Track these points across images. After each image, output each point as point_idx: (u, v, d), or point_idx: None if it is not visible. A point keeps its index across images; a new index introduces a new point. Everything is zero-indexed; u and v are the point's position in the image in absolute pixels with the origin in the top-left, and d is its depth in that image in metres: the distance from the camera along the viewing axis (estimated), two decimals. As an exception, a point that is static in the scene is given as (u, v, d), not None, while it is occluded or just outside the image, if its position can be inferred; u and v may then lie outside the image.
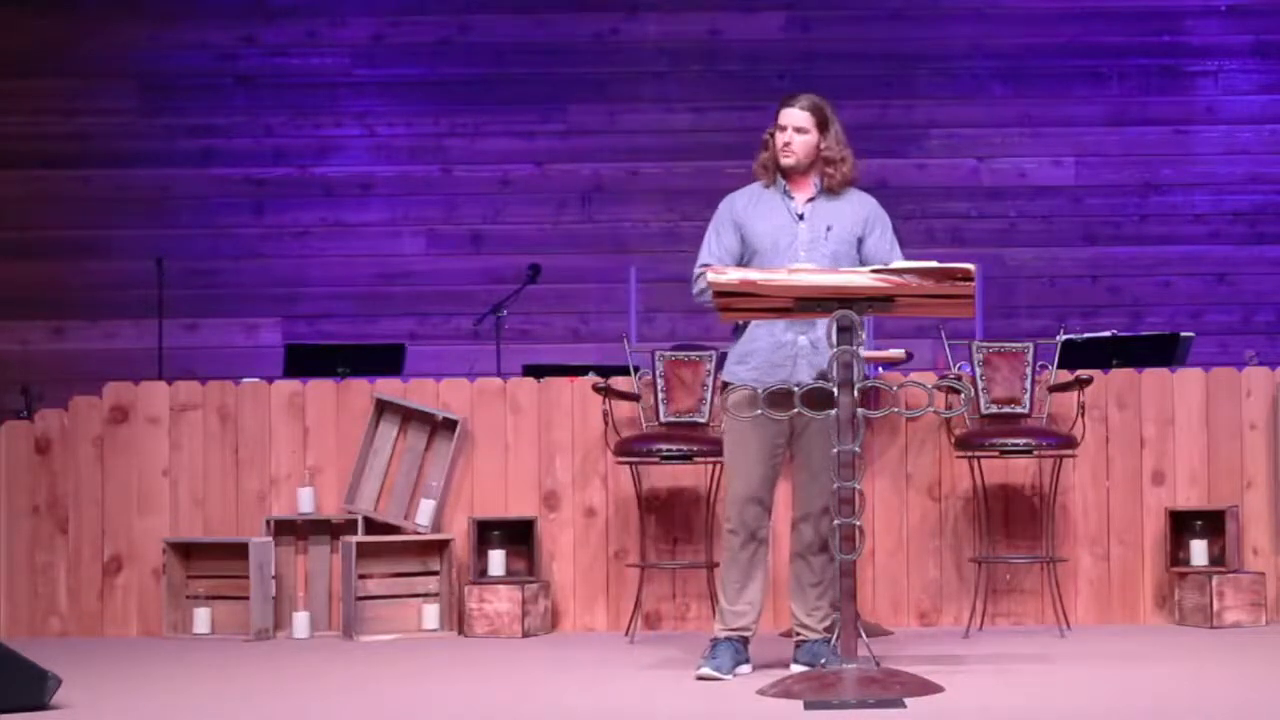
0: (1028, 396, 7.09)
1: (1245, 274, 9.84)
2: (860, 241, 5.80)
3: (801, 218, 5.78)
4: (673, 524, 7.27)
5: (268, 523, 7.21)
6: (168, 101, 9.93)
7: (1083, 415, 7.07)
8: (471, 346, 9.31)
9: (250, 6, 10.00)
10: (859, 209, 5.84)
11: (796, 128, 5.80)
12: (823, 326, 5.54)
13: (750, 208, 5.84)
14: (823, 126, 5.81)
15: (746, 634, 5.77)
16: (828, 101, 5.89)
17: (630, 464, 6.98)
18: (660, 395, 7.13)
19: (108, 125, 9.90)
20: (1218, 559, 6.99)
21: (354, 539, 7.10)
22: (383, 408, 7.35)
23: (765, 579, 5.82)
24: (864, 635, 5.44)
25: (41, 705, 5.08)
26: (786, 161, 5.80)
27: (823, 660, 5.53)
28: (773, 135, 5.84)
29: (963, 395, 7.03)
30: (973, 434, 6.96)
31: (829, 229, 5.76)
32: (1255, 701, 5.02)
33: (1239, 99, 9.94)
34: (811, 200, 5.81)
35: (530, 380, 7.45)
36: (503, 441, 7.35)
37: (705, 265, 5.76)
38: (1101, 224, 9.91)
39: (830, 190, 5.81)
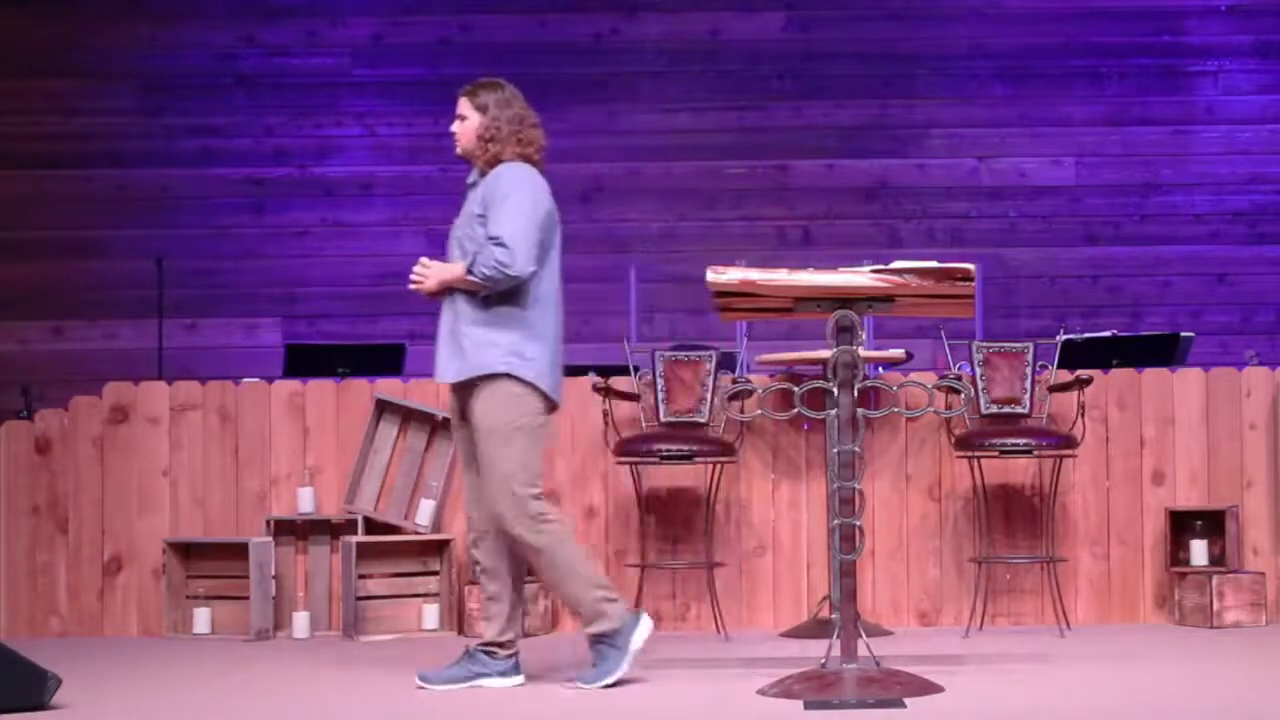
0: (1028, 396, 7.09)
1: (1245, 274, 9.85)
2: (485, 220, 5.48)
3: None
4: (673, 524, 7.27)
5: (268, 523, 7.21)
6: (168, 101, 9.94)
7: (1083, 415, 7.07)
8: (471, 346, 9.29)
9: (250, 6, 10.00)
10: (484, 189, 5.52)
11: (458, 115, 5.60)
12: (462, 311, 5.46)
13: None
14: (482, 109, 5.55)
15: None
16: (501, 84, 5.60)
17: (630, 464, 6.98)
18: (660, 395, 7.13)
19: (108, 125, 9.91)
20: (1218, 559, 6.99)
21: (354, 539, 7.10)
22: (383, 408, 7.34)
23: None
24: (864, 635, 5.44)
25: (41, 705, 5.08)
26: (457, 152, 5.63)
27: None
28: None
29: (963, 395, 7.03)
30: (973, 434, 6.96)
31: (458, 217, 5.61)
32: (1255, 701, 5.02)
33: (1239, 99, 9.94)
34: (471, 188, 5.62)
35: (530, 380, 7.44)
36: (503, 441, 7.34)
37: None
38: (1101, 224, 9.92)
39: (483, 171, 5.56)
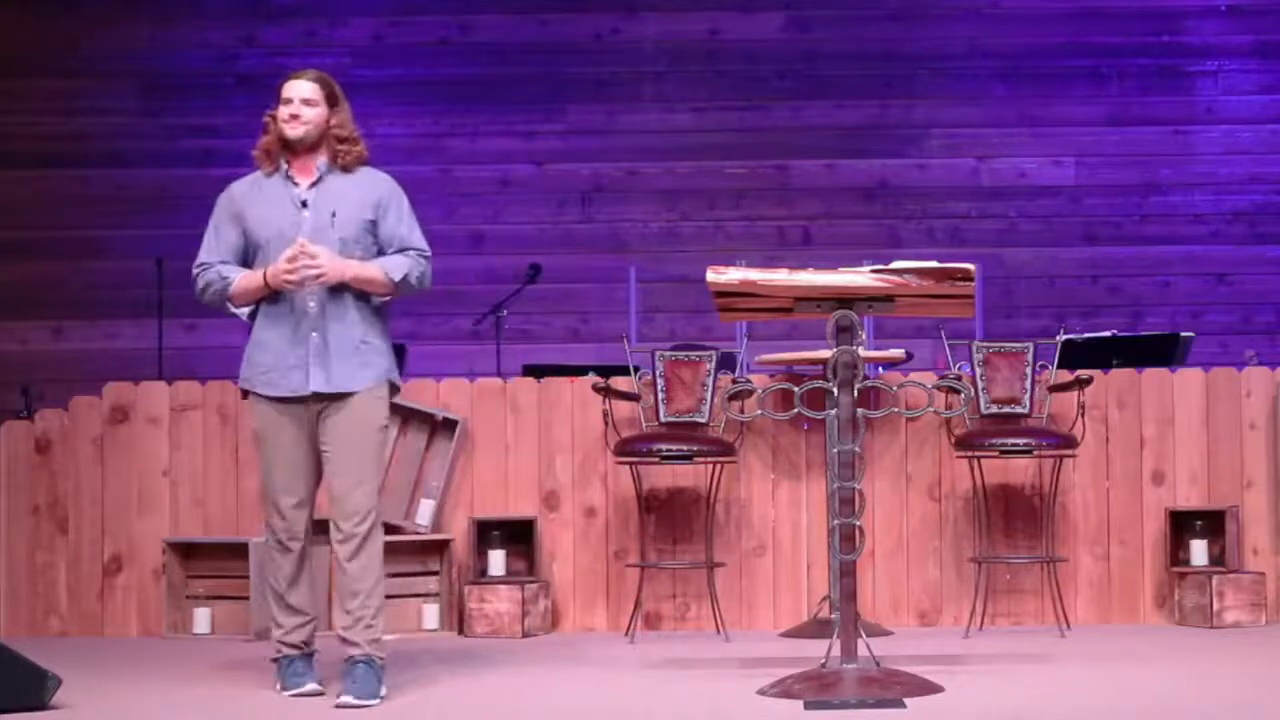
0: (1028, 396, 7.10)
1: (1245, 274, 9.85)
2: (375, 225, 5.39)
3: (305, 205, 5.35)
4: (673, 524, 7.27)
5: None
6: (168, 101, 9.94)
7: (1083, 415, 7.07)
8: (471, 346, 9.31)
9: (250, 6, 10.00)
10: (371, 191, 5.41)
11: (304, 99, 5.37)
12: (367, 319, 5.35)
13: (250, 197, 5.43)
14: (332, 101, 5.42)
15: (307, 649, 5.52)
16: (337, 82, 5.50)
17: (630, 464, 6.98)
18: (660, 395, 7.14)
19: (108, 125, 9.90)
20: (1218, 559, 6.99)
21: (354, 539, 7.08)
22: (383, 408, 7.33)
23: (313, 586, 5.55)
24: (864, 635, 5.44)
25: (41, 705, 5.09)
26: (294, 134, 5.34)
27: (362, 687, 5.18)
28: (273, 118, 5.40)
29: (963, 395, 7.03)
30: (973, 434, 6.96)
31: (334, 215, 5.33)
32: (1255, 701, 5.02)
33: (1239, 99, 9.94)
34: (316, 184, 5.38)
35: (530, 380, 7.45)
36: (503, 441, 7.35)
37: (203, 264, 5.51)
38: (1101, 224, 9.91)
39: (344, 169, 5.40)
